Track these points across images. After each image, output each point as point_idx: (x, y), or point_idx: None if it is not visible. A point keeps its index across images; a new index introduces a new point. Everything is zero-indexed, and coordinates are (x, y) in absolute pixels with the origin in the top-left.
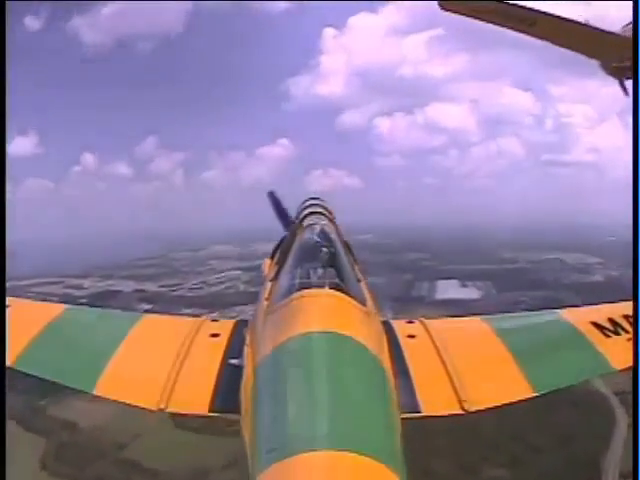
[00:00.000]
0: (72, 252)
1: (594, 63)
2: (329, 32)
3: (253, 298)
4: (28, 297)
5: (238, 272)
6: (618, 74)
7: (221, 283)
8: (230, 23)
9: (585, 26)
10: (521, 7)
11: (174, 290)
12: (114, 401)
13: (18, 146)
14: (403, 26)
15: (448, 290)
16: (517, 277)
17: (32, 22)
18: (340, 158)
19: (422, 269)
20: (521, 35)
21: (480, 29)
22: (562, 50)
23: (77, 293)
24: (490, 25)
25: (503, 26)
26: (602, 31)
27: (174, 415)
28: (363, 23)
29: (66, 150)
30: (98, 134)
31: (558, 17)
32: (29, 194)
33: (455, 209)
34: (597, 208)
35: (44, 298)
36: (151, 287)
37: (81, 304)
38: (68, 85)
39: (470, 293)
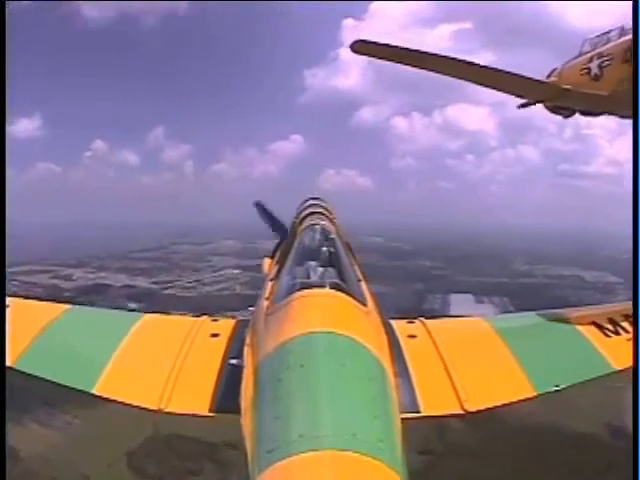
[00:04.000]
0: (71, 240)
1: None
2: (349, 23)
3: (249, 302)
4: (12, 286)
5: (237, 271)
6: (555, 112)
7: (217, 283)
8: (245, 12)
9: (497, 71)
10: (429, 54)
11: (166, 288)
12: (113, 401)
13: (22, 129)
14: (427, 17)
15: (463, 306)
16: (535, 294)
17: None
18: (353, 157)
19: (434, 279)
20: (552, 37)
21: (511, 26)
22: None
23: (64, 285)
24: (522, 23)
25: (416, 67)
26: (520, 76)
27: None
28: (384, 12)
29: (74, 136)
30: (107, 122)
31: (468, 62)
32: (34, 177)
33: (468, 215)
34: (612, 222)
35: (27, 289)
36: (143, 283)
37: (64, 297)
38: (76, 69)
39: (487, 310)
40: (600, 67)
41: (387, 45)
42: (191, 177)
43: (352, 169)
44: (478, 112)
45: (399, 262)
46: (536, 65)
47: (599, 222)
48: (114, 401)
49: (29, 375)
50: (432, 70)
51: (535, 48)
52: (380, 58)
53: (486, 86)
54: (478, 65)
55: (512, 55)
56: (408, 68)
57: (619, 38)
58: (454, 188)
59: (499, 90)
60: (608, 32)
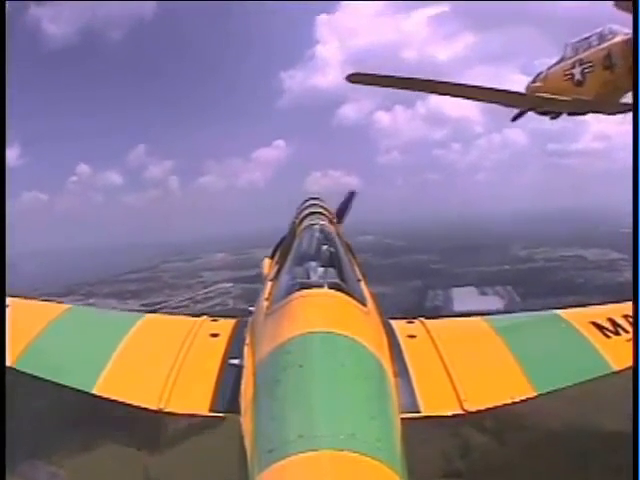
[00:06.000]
0: (59, 267)
1: None
2: (322, 18)
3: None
4: None
5: (229, 285)
6: (543, 114)
7: (209, 299)
8: (215, 12)
9: (481, 88)
10: (415, 80)
11: (156, 310)
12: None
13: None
14: (401, 4)
15: (466, 300)
16: (539, 279)
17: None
18: (338, 157)
19: (432, 273)
20: (536, 15)
21: (489, 6)
22: (575, 33)
23: None
24: (500, 3)
25: (409, 90)
26: (509, 92)
27: None
28: (357, 3)
29: (56, 161)
30: (87, 144)
31: (453, 84)
32: (21, 207)
33: (459, 205)
34: (606, 198)
35: None
36: (133, 306)
37: None
38: (44, 88)
39: (492, 302)
40: (582, 73)
41: (380, 76)
42: (177, 192)
43: (338, 169)
44: (461, 99)
45: (394, 259)
46: (522, 43)
47: (592, 199)
48: (114, 401)
49: (28, 375)
50: (423, 91)
51: (519, 27)
52: (374, 85)
53: (477, 100)
54: (466, 85)
55: (497, 35)
56: (387, 63)
57: (599, 44)
58: (443, 179)
59: (490, 103)
60: (588, 37)
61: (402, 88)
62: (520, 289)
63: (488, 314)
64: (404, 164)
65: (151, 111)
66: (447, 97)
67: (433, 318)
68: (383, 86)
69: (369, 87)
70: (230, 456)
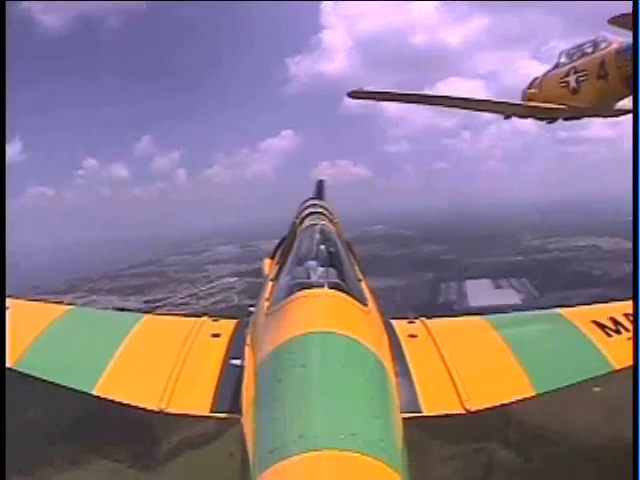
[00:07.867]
0: (62, 263)
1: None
2: (327, 5)
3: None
4: None
5: (234, 279)
6: (541, 119)
7: (213, 295)
8: (218, 4)
9: (480, 101)
10: (414, 94)
11: (158, 306)
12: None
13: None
14: None
15: (480, 293)
16: (555, 271)
17: None
18: (346, 146)
19: (444, 265)
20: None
21: None
22: (587, 21)
23: None
24: None
25: (410, 103)
26: (509, 103)
27: None
28: None
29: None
30: (93, 137)
31: (453, 98)
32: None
33: (470, 194)
34: (616, 185)
35: None
36: (134, 303)
37: None
38: (49, 82)
39: (508, 296)
40: (577, 82)
41: (380, 91)
42: (184, 184)
43: (346, 159)
44: (471, 85)
45: (404, 250)
46: (532, 24)
47: (602, 186)
48: (112, 401)
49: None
50: (423, 104)
51: (530, 9)
52: (374, 100)
53: (477, 110)
54: (465, 98)
55: (507, 16)
56: (396, 48)
57: (593, 52)
58: (453, 168)
59: (490, 113)
60: (582, 45)
61: (402, 102)
62: (536, 281)
63: (505, 311)
64: (413, 153)
65: (157, 102)
66: (457, 83)
67: (443, 316)
68: (383, 100)
69: (377, 74)
70: (225, 473)
